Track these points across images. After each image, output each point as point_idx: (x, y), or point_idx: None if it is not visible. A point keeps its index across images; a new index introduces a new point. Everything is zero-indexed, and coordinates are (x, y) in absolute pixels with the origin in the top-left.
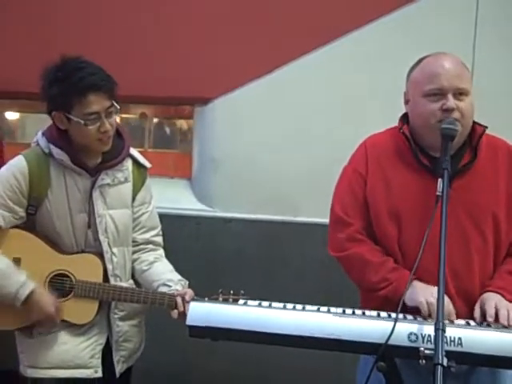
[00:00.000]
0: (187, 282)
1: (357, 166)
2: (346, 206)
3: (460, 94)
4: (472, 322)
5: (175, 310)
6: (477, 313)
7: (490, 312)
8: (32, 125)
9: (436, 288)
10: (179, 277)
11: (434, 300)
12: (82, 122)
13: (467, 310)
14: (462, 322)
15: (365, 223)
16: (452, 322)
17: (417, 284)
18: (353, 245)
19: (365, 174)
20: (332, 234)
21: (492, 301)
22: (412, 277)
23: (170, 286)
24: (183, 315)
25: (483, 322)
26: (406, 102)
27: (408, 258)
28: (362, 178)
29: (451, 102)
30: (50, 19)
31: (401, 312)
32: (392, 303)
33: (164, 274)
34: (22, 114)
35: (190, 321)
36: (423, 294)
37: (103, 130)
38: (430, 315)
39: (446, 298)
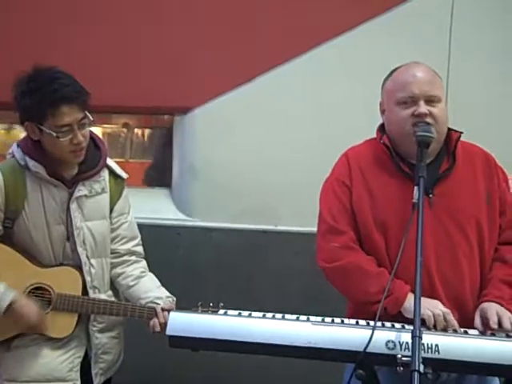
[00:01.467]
0: (175, 299)
1: (340, 177)
2: (335, 215)
3: (432, 100)
4: (460, 330)
5: (154, 320)
6: (477, 321)
7: (494, 319)
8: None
9: (434, 300)
10: (167, 293)
11: (439, 312)
12: (54, 134)
13: (458, 316)
14: (461, 330)
15: (355, 233)
16: (455, 331)
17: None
18: (348, 253)
19: (349, 184)
20: (323, 244)
21: (493, 309)
22: (388, 287)
23: (158, 305)
24: (164, 326)
25: (486, 331)
26: (382, 112)
27: (397, 268)
28: (347, 188)
29: (422, 107)
30: (33, 31)
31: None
32: (388, 315)
33: (151, 291)
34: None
35: (169, 331)
36: (428, 306)
37: (76, 141)
38: (435, 326)
39: (446, 309)
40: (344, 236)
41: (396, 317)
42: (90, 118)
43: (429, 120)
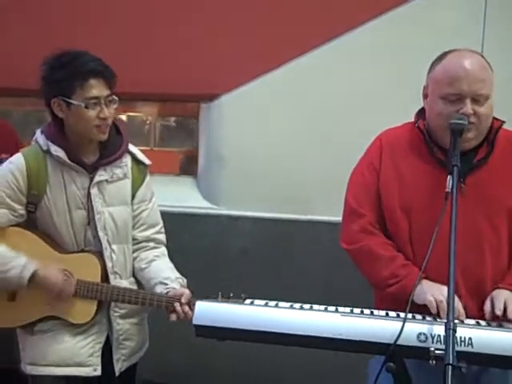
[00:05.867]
0: (185, 280)
1: (371, 159)
2: (359, 197)
3: (480, 99)
4: (482, 322)
5: (173, 314)
6: (487, 307)
7: (499, 306)
8: (36, 123)
9: (444, 286)
10: (177, 274)
11: (442, 298)
12: (83, 104)
13: (478, 308)
14: (472, 321)
15: (377, 216)
16: (462, 321)
17: (425, 282)
18: (365, 237)
19: (378, 167)
20: (345, 226)
21: (502, 296)
22: (422, 275)
23: (166, 284)
24: (183, 318)
25: (493, 319)
26: (425, 96)
27: (418, 253)
28: (376, 170)
29: (468, 107)
30: (53, 18)
31: (411, 310)
32: (402, 301)
33: (162, 271)
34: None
35: (196, 320)
36: (431, 292)
37: (102, 116)
38: (438, 314)
39: (455, 298)
40: (363, 219)
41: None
42: (116, 98)
43: (472, 120)
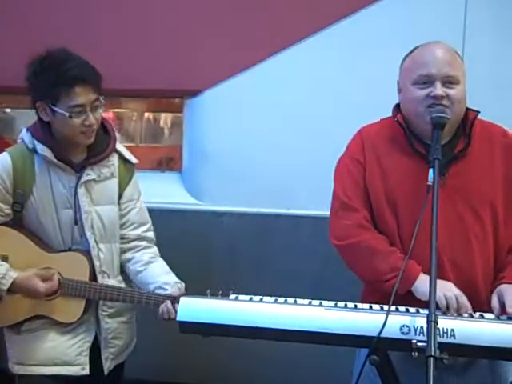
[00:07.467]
0: (184, 285)
1: (354, 155)
2: (349, 192)
3: (450, 82)
4: (465, 314)
5: (160, 313)
6: (495, 302)
7: (510, 303)
8: (25, 121)
9: (450, 283)
10: (176, 279)
11: (452, 294)
12: (67, 114)
13: (469, 299)
14: (476, 315)
15: (368, 211)
16: (471, 315)
17: (427, 278)
18: (360, 232)
19: (363, 162)
20: (336, 221)
21: (510, 292)
22: (403, 268)
23: (166, 290)
24: (167, 315)
25: (503, 314)
26: (399, 90)
27: (406, 246)
28: (361, 165)
29: (438, 89)
30: (43, 14)
31: (398, 302)
32: (398, 295)
33: (160, 276)
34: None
35: (180, 316)
36: (440, 288)
37: (88, 123)
38: (447, 309)
39: (459, 291)
40: (357, 214)
41: (407, 298)
42: (102, 100)
43: (445, 102)
